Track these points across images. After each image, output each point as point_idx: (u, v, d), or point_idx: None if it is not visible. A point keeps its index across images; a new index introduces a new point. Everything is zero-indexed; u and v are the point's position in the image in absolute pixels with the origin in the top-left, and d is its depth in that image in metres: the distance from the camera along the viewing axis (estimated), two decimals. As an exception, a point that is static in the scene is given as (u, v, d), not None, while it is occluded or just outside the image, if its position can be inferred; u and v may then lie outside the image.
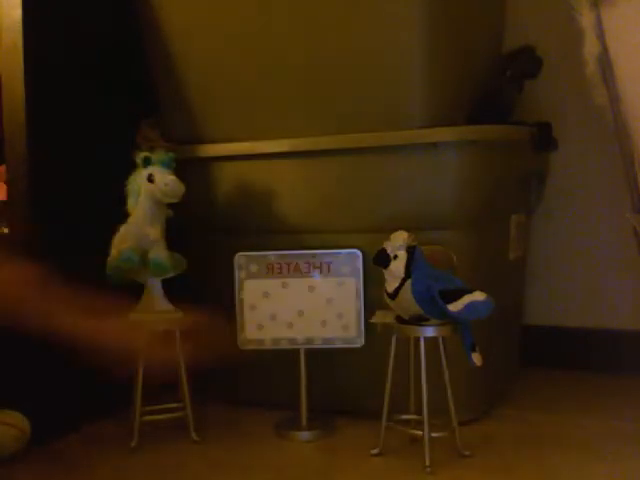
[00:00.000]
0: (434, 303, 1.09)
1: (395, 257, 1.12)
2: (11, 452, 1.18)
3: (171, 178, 1.23)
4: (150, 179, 1.23)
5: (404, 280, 1.11)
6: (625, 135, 1.16)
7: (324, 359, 1.32)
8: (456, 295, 1.08)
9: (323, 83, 1.28)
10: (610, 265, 1.63)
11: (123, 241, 1.23)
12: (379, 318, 1.18)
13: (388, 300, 1.14)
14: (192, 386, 1.27)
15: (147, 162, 1.24)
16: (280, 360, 1.33)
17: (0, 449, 1.16)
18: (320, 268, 1.29)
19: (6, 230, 1.34)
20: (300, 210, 1.33)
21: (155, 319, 1.25)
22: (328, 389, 1.34)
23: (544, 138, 1.45)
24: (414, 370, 1.18)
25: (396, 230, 1.14)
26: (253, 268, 1.30)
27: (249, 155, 1.34)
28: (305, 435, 1.28)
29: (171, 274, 1.27)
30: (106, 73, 1.44)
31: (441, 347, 1.13)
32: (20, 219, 1.30)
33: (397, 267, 1.11)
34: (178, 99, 1.41)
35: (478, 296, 1.08)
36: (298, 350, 1.29)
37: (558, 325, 1.68)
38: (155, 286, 1.27)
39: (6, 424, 1.19)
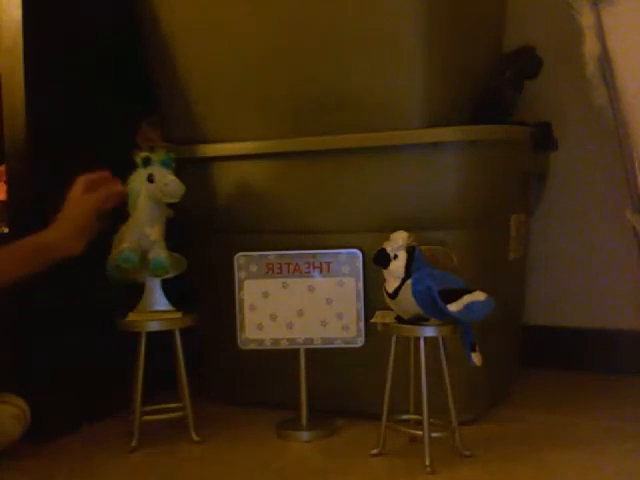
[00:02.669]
0: (434, 303, 1.09)
1: (395, 257, 1.12)
2: (11, 434, 1.18)
3: (171, 178, 1.23)
4: (150, 179, 1.23)
5: (404, 280, 1.11)
6: (625, 135, 1.16)
7: (324, 359, 1.32)
8: (456, 295, 1.08)
9: (324, 83, 1.28)
10: (610, 265, 1.63)
11: (123, 241, 1.23)
12: (379, 318, 1.18)
13: (388, 300, 1.14)
14: (192, 386, 1.27)
15: (147, 162, 1.24)
16: (280, 360, 1.33)
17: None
18: (320, 268, 1.29)
19: (6, 230, 1.34)
20: (300, 210, 1.33)
21: (155, 319, 1.25)
22: (328, 389, 1.34)
23: (544, 138, 1.45)
24: (414, 370, 1.18)
25: (396, 230, 1.14)
26: (253, 268, 1.30)
27: (249, 155, 1.34)
28: (305, 435, 1.28)
29: (171, 274, 1.28)
30: (106, 73, 1.44)
31: (441, 347, 1.14)
32: (20, 219, 1.30)
33: (397, 267, 1.12)
34: (178, 99, 1.41)
35: (478, 296, 1.08)
36: (298, 350, 1.29)
37: (558, 325, 1.68)
38: (155, 286, 1.28)
39: (5, 402, 1.19)
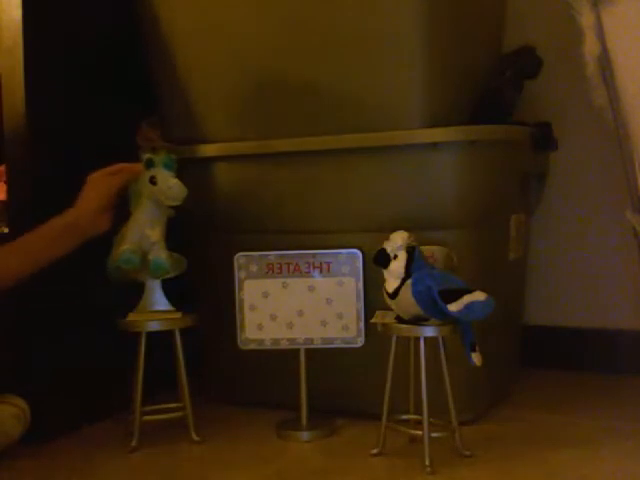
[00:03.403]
0: (434, 303, 1.09)
1: (395, 257, 1.12)
2: (12, 434, 1.18)
3: (174, 181, 1.22)
4: (152, 181, 1.23)
5: (404, 280, 1.11)
6: (625, 135, 1.16)
7: (324, 359, 1.32)
8: (456, 295, 1.08)
9: (323, 84, 1.28)
10: (610, 265, 1.63)
11: (124, 242, 1.23)
12: (379, 318, 1.18)
13: (388, 300, 1.14)
14: (192, 386, 1.27)
15: (150, 164, 1.23)
16: (280, 360, 1.33)
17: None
18: (320, 268, 1.29)
19: (6, 230, 1.34)
20: (300, 210, 1.33)
21: (155, 319, 1.25)
22: (328, 389, 1.34)
23: (544, 138, 1.45)
24: (414, 370, 1.18)
25: (396, 230, 1.14)
26: (253, 268, 1.30)
27: (249, 155, 1.34)
28: (305, 435, 1.28)
29: (171, 275, 1.28)
30: (106, 73, 1.44)
31: (441, 347, 1.14)
32: (20, 219, 1.30)
33: (397, 267, 1.12)
34: (178, 99, 1.41)
35: (478, 296, 1.08)
36: (298, 350, 1.29)
37: (558, 325, 1.68)
38: (155, 286, 1.28)
39: (5, 402, 1.19)
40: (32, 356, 1.28)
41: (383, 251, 1.13)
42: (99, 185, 1.21)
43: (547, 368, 1.63)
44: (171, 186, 1.22)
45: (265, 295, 1.30)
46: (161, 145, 1.40)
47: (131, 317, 1.25)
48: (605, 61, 1.15)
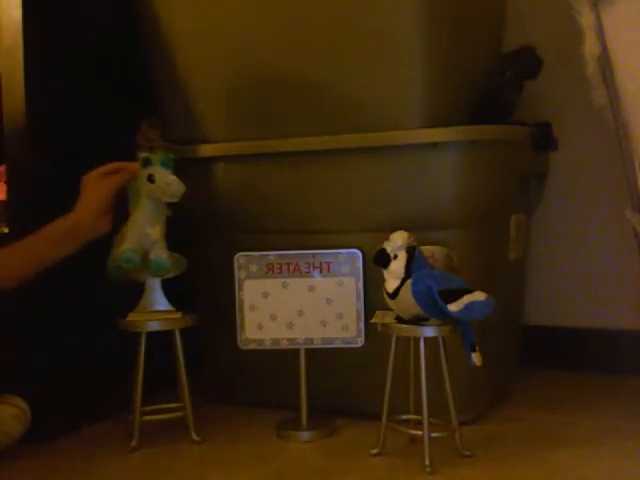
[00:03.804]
0: (434, 303, 1.09)
1: (395, 257, 1.12)
2: (12, 434, 1.18)
3: (172, 178, 1.22)
4: (151, 179, 1.23)
5: (404, 280, 1.11)
6: (625, 135, 1.16)
7: (324, 359, 1.32)
8: (456, 295, 1.08)
9: (323, 84, 1.28)
10: (610, 265, 1.63)
11: (124, 241, 1.23)
12: (379, 318, 1.18)
13: (388, 300, 1.14)
14: (192, 386, 1.27)
15: (147, 162, 1.23)
16: (280, 360, 1.33)
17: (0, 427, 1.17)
18: (320, 268, 1.29)
19: (6, 230, 1.34)
20: (300, 210, 1.33)
21: (155, 319, 1.25)
22: (328, 389, 1.34)
23: (544, 138, 1.45)
24: (414, 370, 1.18)
25: (396, 230, 1.14)
26: (253, 268, 1.30)
27: (249, 155, 1.34)
28: (305, 435, 1.28)
29: (171, 274, 1.28)
30: (106, 73, 1.44)
31: (441, 347, 1.14)
32: (20, 219, 1.30)
33: (397, 267, 1.12)
34: (178, 99, 1.41)
35: (478, 296, 1.08)
36: (298, 350, 1.29)
37: (558, 325, 1.68)
38: (155, 286, 1.28)
39: (5, 402, 1.19)
40: (32, 356, 1.28)
41: (383, 251, 1.13)
42: (98, 188, 1.20)
43: (547, 368, 1.63)
44: (169, 182, 1.22)
45: (265, 295, 1.30)
46: (160, 145, 1.40)
47: (131, 317, 1.25)
48: (605, 61, 1.15)
